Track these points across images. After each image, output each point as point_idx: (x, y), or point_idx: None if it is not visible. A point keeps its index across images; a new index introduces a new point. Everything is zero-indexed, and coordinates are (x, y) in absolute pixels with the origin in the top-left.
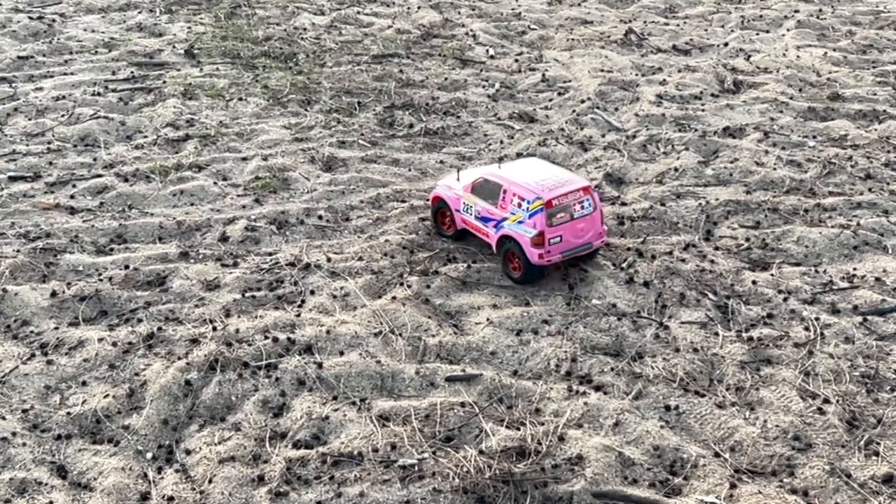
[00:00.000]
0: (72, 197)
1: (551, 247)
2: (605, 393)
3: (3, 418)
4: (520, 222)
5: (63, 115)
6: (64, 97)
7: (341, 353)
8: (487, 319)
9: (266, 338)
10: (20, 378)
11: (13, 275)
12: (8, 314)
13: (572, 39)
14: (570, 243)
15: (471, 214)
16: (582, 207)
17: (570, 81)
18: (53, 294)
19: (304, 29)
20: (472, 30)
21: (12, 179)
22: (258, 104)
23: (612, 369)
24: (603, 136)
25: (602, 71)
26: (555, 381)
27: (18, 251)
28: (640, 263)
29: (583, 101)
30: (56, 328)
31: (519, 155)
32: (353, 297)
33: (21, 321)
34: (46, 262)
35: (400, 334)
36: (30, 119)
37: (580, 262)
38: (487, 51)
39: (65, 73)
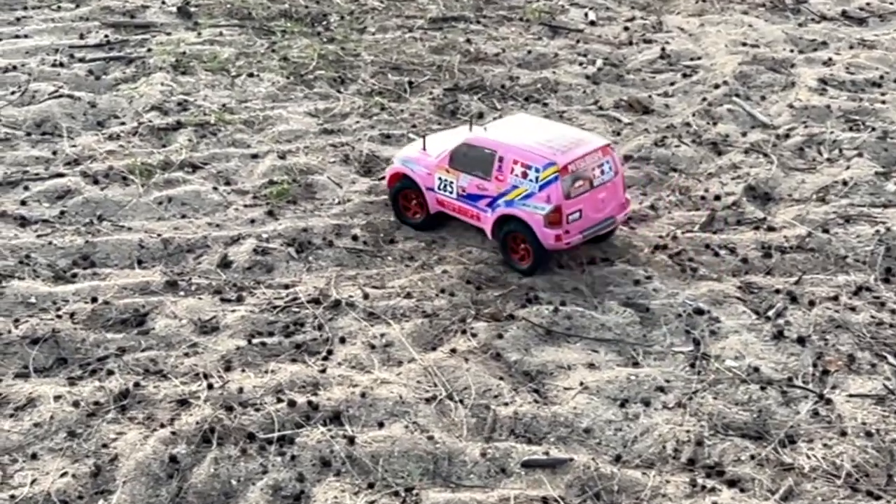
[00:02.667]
0: (23, 203)
1: (570, 225)
2: (742, 490)
3: None
4: (527, 196)
5: (13, 93)
6: (14, 67)
7: (380, 425)
8: (581, 384)
9: (279, 401)
10: None
11: None
12: None
13: (703, 0)
14: (591, 219)
15: (451, 193)
16: (602, 173)
17: (699, 59)
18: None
19: None
20: None
21: None
22: (274, 82)
23: (753, 457)
24: (744, 134)
25: (744, 45)
26: (672, 472)
27: None
28: (793, 312)
29: (717, 87)
30: None
31: (628, 158)
32: (397, 347)
33: None
34: None
35: (461, 401)
36: None
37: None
38: (587, 14)
39: (16, 36)
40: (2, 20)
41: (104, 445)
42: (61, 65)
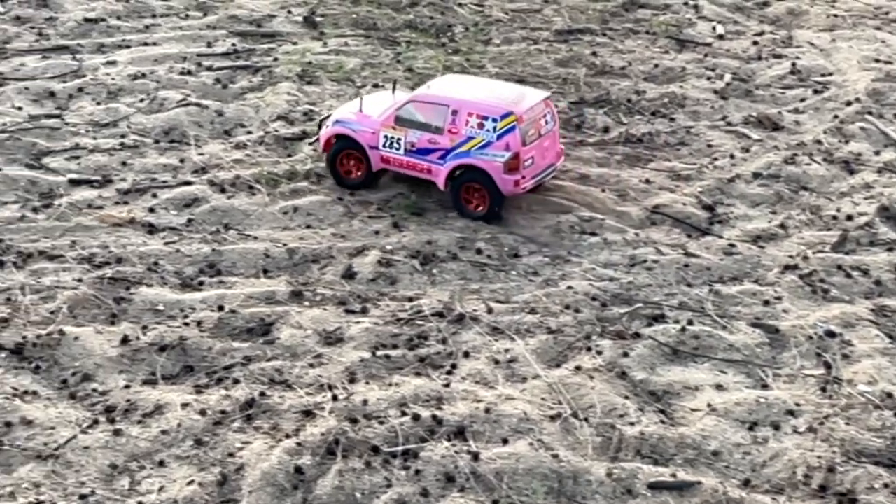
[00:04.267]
0: (151, 210)
1: (525, 170)
2: None
3: None
4: (484, 146)
5: (142, 100)
6: (143, 75)
7: (504, 441)
8: (709, 405)
9: (403, 414)
10: (78, 452)
11: (72, 312)
12: (65, 364)
13: (835, 15)
14: (539, 165)
15: (398, 149)
16: (546, 123)
17: (830, 75)
18: (125, 341)
19: None
20: None
21: (74, 183)
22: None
23: (887, 486)
24: (877, 153)
25: (877, 61)
26: (803, 499)
27: (80, 281)
28: None
29: (848, 104)
30: (126, 387)
31: (757, 175)
32: (521, 363)
33: (81, 375)
34: (116, 298)
35: (586, 419)
36: (98, 103)
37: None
38: (714, 28)
39: (145, 44)
40: (131, 28)
41: (230, 454)
42: (189, 73)
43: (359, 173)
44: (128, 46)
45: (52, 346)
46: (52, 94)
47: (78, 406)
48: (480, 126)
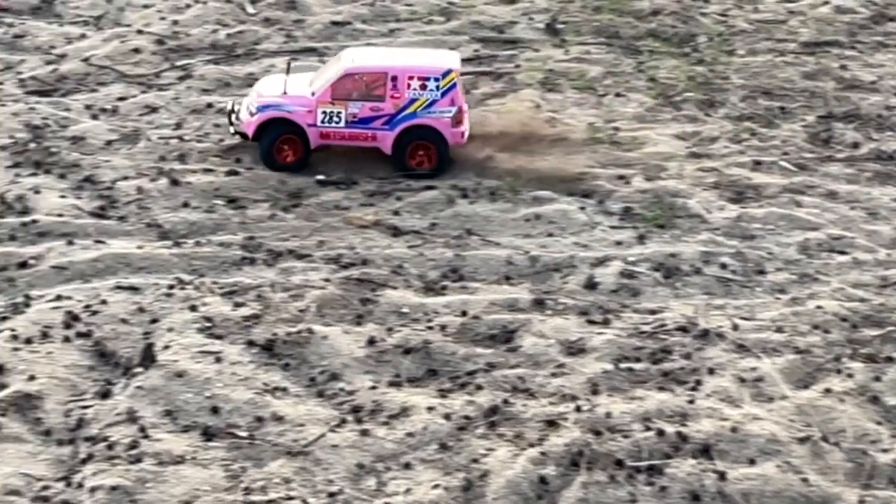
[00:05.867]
0: (396, 213)
1: (465, 123)
2: None
3: (305, 501)
4: (429, 105)
5: None
6: None
7: (751, 462)
8: None
9: (648, 429)
10: (327, 450)
11: (321, 311)
12: (313, 363)
13: None
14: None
15: (339, 123)
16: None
17: None
18: (371, 342)
19: (706, 1)
20: None
21: (321, 184)
22: (642, 103)
23: None
24: None
25: None
26: None
27: (328, 280)
28: None
29: None
30: (373, 387)
31: None
32: (768, 382)
33: (329, 374)
34: (362, 298)
35: (836, 443)
36: None
37: None
38: None
39: (388, 47)
40: (375, 31)
41: (474, 460)
42: None
43: (291, 158)
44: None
45: (302, 344)
46: None
47: (326, 404)
48: (423, 87)
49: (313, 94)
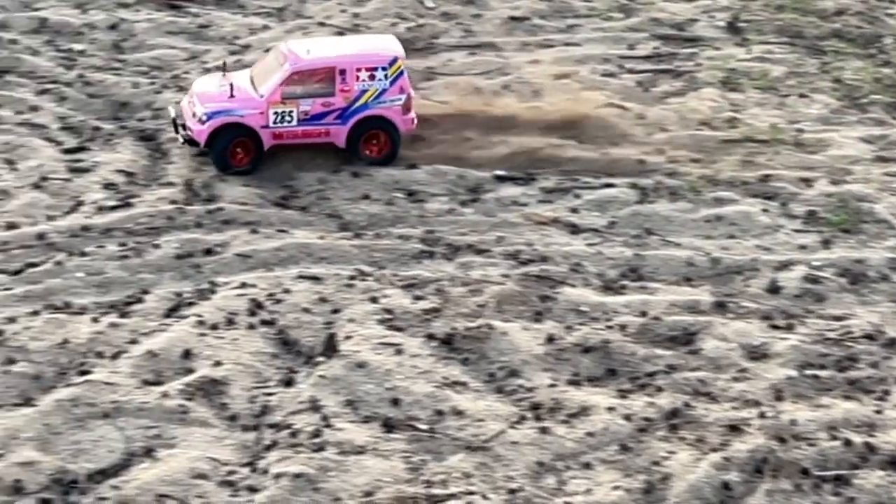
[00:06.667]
0: (574, 210)
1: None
2: None
3: (486, 497)
4: (379, 94)
5: (564, 100)
6: (566, 76)
7: None
8: None
9: (834, 438)
10: (507, 447)
11: (500, 307)
12: (492, 358)
13: None
14: None
15: (291, 122)
16: None
17: None
18: (550, 339)
19: (892, 1)
20: None
21: (500, 179)
22: (826, 104)
23: None
24: None
25: None
26: None
27: (507, 276)
28: None
29: None
30: (552, 385)
31: None
32: None
33: (508, 370)
34: (541, 295)
35: None
36: (522, 101)
37: None
38: None
39: (567, 44)
40: (554, 27)
41: (655, 463)
42: (611, 75)
43: (247, 159)
44: (551, 46)
45: (481, 340)
46: (478, 90)
47: (505, 400)
48: (372, 77)
49: (262, 95)
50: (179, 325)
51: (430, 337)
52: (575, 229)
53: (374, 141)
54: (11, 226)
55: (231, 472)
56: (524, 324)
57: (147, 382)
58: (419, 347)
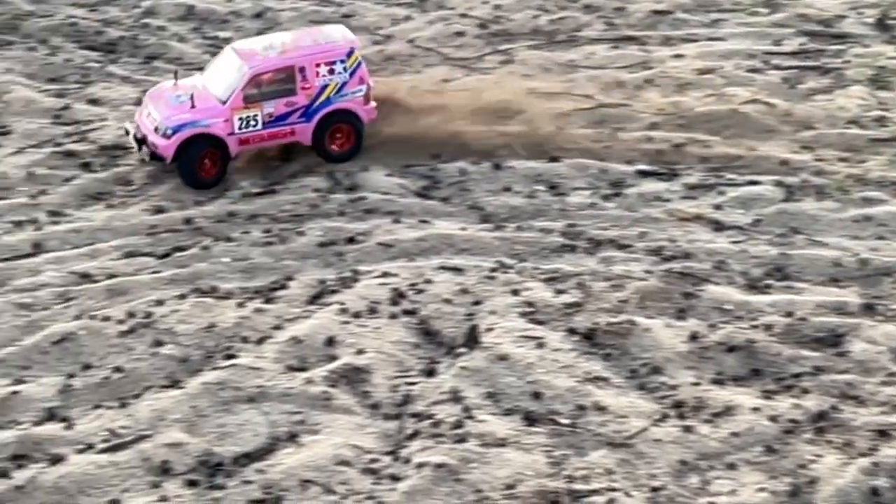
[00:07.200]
0: (718, 208)
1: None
2: None
3: (628, 494)
4: (340, 88)
5: (709, 95)
6: (711, 71)
7: None
8: None
9: None
10: (650, 444)
11: (643, 303)
12: (634, 354)
13: None
14: None
15: (256, 126)
16: None
17: None
18: (693, 337)
19: None
20: None
21: (642, 174)
22: None
23: None
24: None
25: None
26: None
27: (649, 272)
28: None
29: None
30: (695, 384)
31: None
32: None
33: (651, 367)
34: (684, 292)
35: None
36: (665, 96)
37: None
38: None
39: (711, 38)
40: (698, 22)
41: (801, 466)
42: (756, 71)
43: (215, 170)
44: (695, 40)
45: (623, 335)
46: (621, 84)
47: (648, 398)
48: (331, 72)
49: (224, 101)
50: (323, 312)
51: (572, 331)
52: (719, 226)
53: (337, 135)
54: (159, 210)
55: (373, 460)
56: (667, 321)
57: (291, 368)
58: (560, 341)
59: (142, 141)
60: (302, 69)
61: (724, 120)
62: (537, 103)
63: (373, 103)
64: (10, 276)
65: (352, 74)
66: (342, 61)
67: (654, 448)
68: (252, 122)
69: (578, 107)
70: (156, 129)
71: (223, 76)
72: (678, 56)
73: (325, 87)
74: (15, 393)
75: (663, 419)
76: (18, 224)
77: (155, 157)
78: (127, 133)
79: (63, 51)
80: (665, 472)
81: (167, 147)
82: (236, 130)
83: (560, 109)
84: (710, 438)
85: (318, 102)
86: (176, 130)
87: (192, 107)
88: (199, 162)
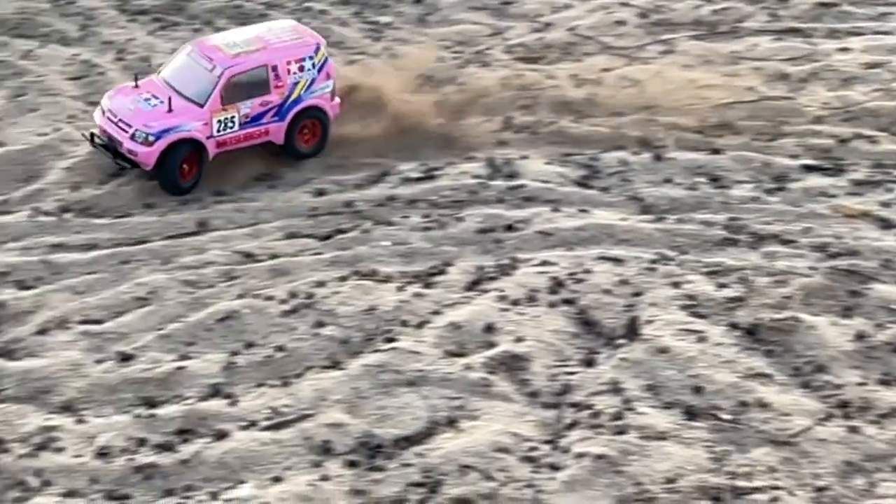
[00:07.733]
0: (885, 205)
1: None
2: None
3: (792, 493)
4: (310, 84)
5: (875, 90)
6: (878, 65)
7: None
8: None
9: None
10: (814, 443)
11: (807, 300)
12: (798, 352)
13: None
14: None
15: (234, 127)
16: None
17: None
18: (860, 336)
19: None
20: None
21: (807, 169)
22: None
23: None
24: None
25: None
26: None
27: (814, 269)
28: None
29: None
30: (861, 384)
31: None
32: None
33: (815, 365)
34: (850, 290)
35: None
36: (831, 90)
37: None
38: None
39: (878, 32)
40: (864, 15)
41: None
42: None
43: (193, 173)
44: (861, 34)
45: (787, 332)
46: (784, 77)
47: (812, 396)
48: (301, 69)
49: (202, 105)
50: (481, 298)
51: (734, 326)
52: (886, 224)
53: (305, 131)
54: (320, 192)
55: (532, 449)
56: (832, 318)
57: (450, 353)
58: (722, 336)
59: (109, 147)
60: (275, 67)
61: (891, 115)
62: (697, 94)
63: (337, 99)
64: (175, 252)
65: (320, 70)
66: (310, 57)
67: (818, 447)
68: (230, 124)
69: (741, 99)
70: (133, 137)
71: (193, 77)
72: (844, 49)
73: (295, 84)
74: (180, 368)
75: (828, 419)
76: (185, 202)
77: (133, 164)
78: (91, 138)
79: None
80: (830, 473)
81: (149, 154)
82: (215, 133)
83: (722, 101)
84: (876, 440)
85: (289, 100)
86: (159, 136)
87: (170, 111)
88: (179, 168)
